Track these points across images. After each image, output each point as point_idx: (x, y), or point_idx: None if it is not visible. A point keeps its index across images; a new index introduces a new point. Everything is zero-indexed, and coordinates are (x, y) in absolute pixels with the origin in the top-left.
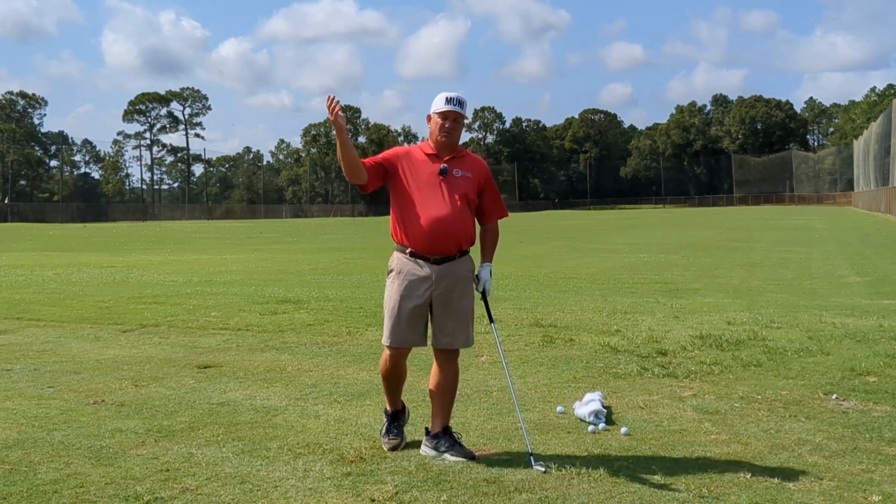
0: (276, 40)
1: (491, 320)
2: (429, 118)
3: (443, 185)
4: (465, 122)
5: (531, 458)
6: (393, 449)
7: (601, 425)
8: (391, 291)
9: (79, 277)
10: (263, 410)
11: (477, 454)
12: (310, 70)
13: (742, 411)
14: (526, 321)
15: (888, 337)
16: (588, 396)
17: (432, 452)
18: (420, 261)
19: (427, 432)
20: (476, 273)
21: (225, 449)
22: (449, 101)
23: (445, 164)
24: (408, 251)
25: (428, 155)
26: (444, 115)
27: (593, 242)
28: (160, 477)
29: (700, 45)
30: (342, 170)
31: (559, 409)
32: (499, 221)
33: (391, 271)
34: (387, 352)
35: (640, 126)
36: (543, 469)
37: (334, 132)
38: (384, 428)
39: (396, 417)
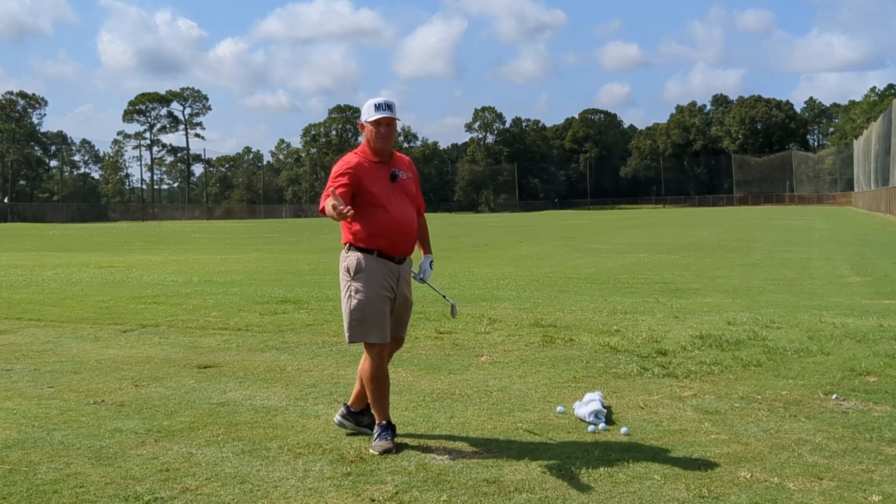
0: (271, 40)
1: (444, 296)
2: (362, 126)
3: (398, 190)
4: (399, 123)
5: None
6: (386, 451)
7: (601, 425)
8: (367, 290)
9: (79, 277)
10: (263, 410)
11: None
12: (306, 70)
13: (742, 411)
14: (526, 321)
15: (888, 337)
16: (588, 396)
17: (349, 424)
18: (386, 261)
19: (347, 408)
20: (419, 264)
21: (225, 449)
22: (378, 107)
23: (395, 170)
24: (375, 253)
25: (374, 162)
26: (377, 123)
27: (593, 242)
28: (160, 477)
29: (695, 45)
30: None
31: (559, 409)
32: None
33: (359, 272)
34: (374, 351)
35: (638, 126)
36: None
37: (333, 207)
38: (376, 434)
39: (391, 426)
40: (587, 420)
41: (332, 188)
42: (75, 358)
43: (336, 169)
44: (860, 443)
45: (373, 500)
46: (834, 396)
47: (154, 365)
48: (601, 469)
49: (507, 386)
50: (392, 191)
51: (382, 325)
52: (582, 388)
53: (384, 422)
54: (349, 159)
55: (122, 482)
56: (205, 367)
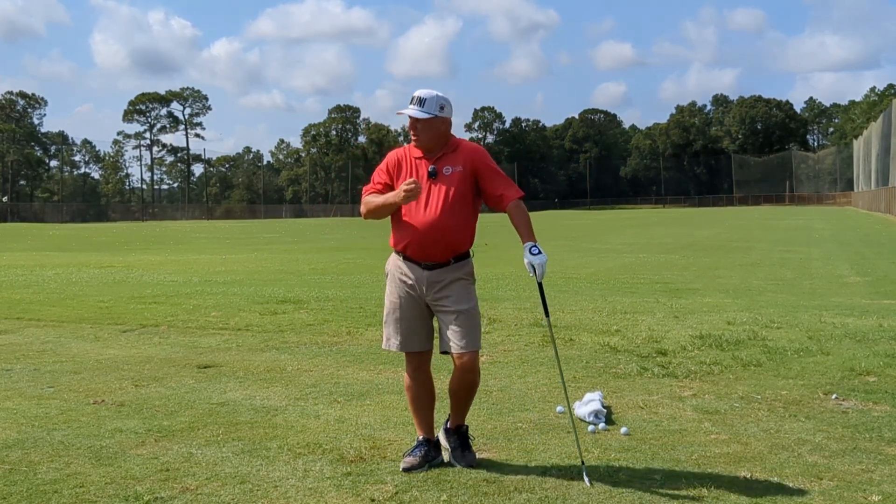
0: (264, 40)
1: (546, 313)
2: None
3: (433, 188)
4: (433, 116)
5: (583, 470)
6: (408, 469)
7: (601, 425)
8: (387, 294)
9: (79, 277)
10: (263, 410)
11: (477, 458)
12: (300, 70)
13: (742, 411)
14: (526, 321)
15: (888, 337)
16: (588, 396)
17: (446, 444)
18: (412, 264)
19: (445, 424)
20: (524, 259)
21: (225, 449)
22: (411, 100)
23: (434, 166)
24: (401, 256)
25: (416, 158)
26: (410, 120)
27: (593, 242)
28: (160, 477)
29: (690, 45)
30: (367, 215)
31: (559, 409)
32: (508, 212)
33: (387, 274)
34: (406, 361)
35: (636, 126)
36: (589, 483)
37: (397, 198)
38: (410, 448)
39: (426, 444)
40: (587, 420)
41: (370, 190)
42: (75, 358)
43: (378, 167)
44: (860, 443)
45: (373, 500)
46: (834, 396)
47: (154, 365)
48: (601, 469)
49: (507, 386)
50: (426, 189)
51: (404, 332)
52: (582, 388)
53: (420, 437)
54: (389, 156)
55: (122, 482)
56: (205, 367)
